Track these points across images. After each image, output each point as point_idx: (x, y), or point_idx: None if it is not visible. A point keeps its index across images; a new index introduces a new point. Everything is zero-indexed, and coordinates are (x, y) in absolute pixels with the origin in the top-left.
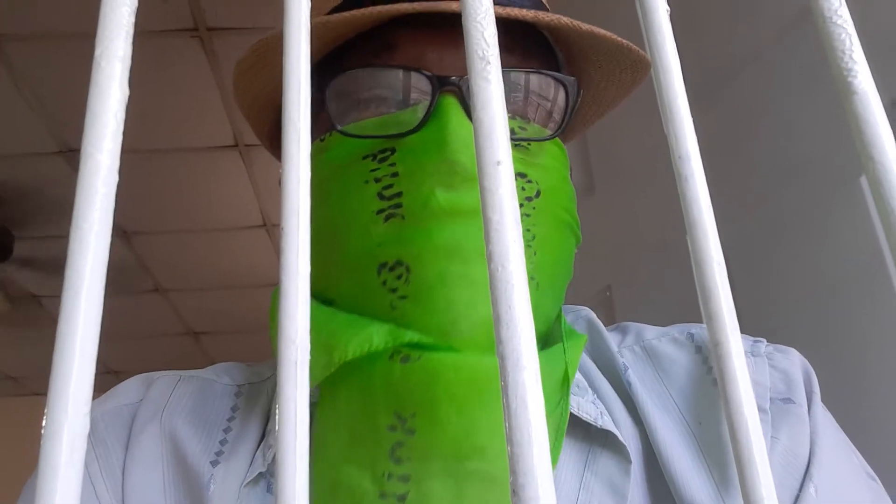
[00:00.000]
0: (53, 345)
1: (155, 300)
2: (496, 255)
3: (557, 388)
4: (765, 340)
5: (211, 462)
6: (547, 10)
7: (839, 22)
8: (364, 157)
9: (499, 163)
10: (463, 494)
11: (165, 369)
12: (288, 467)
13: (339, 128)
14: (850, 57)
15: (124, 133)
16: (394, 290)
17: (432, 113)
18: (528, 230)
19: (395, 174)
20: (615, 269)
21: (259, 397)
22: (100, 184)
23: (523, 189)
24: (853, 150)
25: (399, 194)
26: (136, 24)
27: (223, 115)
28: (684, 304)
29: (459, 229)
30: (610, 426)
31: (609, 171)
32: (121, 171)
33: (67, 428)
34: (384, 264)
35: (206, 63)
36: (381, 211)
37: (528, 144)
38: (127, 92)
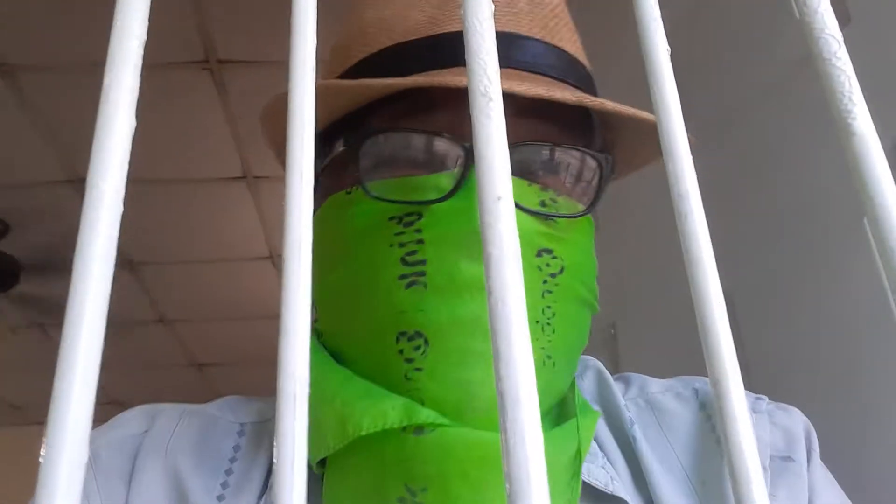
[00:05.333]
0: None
1: (159, 331)
2: (496, 290)
3: (569, 466)
4: (766, 398)
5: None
6: (590, 75)
7: (838, 64)
8: (390, 219)
9: (499, 198)
10: None
11: (169, 400)
12: (284, 500)
13: (368, 190)
14: (850, 99)
15: (132, 162)
16: (410, 361)
17: (463, 182)
18: (549, 307)
19: (420, 241)
20: (620, 307)
21: (262, 441)
22: (104, 213)
23: (548, 265)
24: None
25: (423, 262)
26: (148, 56)
27: (232, 147)
28: (689, 342)
29: (482, 305)
30: (621, 492)
31: (614, 209)
32: (128, 201)
33: (66, 456)
34: (403, 333)
35: (215, 95)
36: (403, 276)
37: (556, 220)
38: (134, 123)
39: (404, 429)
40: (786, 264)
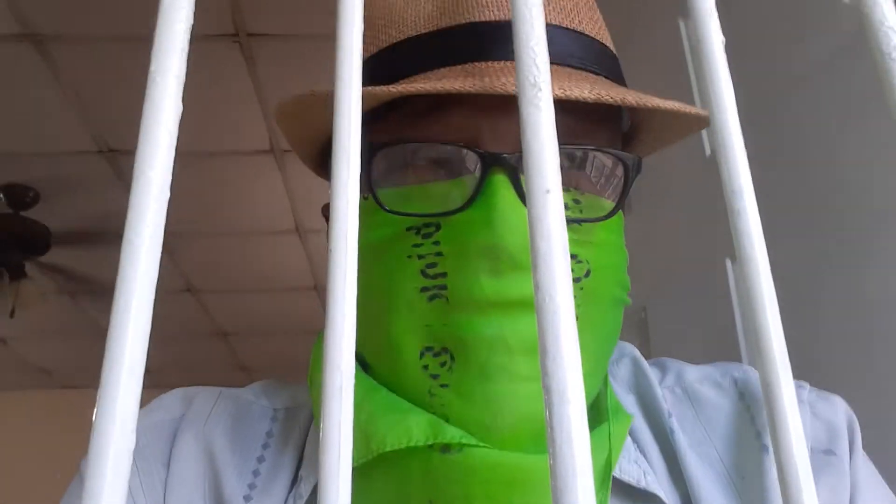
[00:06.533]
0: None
1: (186, 300)
2: (543, 285)
3: (598, 477)
4: (807, 385)
5: (244, 497)
6: (613, 56)
7: None
8: (408, 230)
9: (548, 191)
10: None
11: (194, 368)
12: (331, 495)
13: (382, 203)
14: None
15: None
16: (435, 377)
17: (481, 191)
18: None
19: (439, 253)
20: (651, 289)
21: (294, 427)
22: (152, 201)
23: (572, 270)
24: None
25: (444, 275)
26: None
27: (260, 120)
28: (719, 325)
29: (504, 321)
30: (654, 487)
31: (647, 193)
32: None
33: (113, 445)
34: (429, 348)
35: (244, 68)
36: (425, 289)
37: (581, 224)
38: (180, 108)
39: (430, 446)
40: (822, 252)
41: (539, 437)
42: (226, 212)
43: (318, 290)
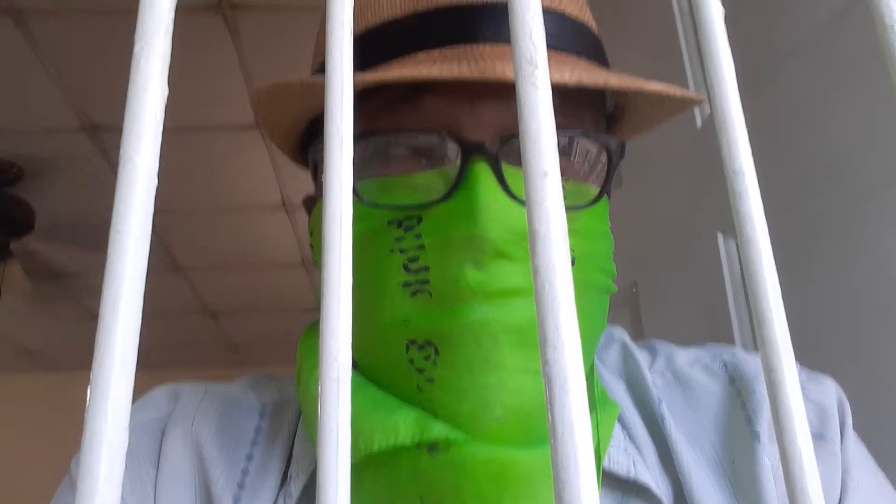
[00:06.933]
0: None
1: (173, 279)
2: (542, 270)
3: None
4: (798, 364)
5: (233, 497)
6: (596, 36)
7: None
8: (389, 223)
9: (546, 173)
10: None
11: (182, 347)
12: (329, 488)
13: (361, 196)
14: None
15: None
16: (421, 371)
17: (461, 181)
18: None
19: (421, 246)
20: (641, 265)
21: (282, 422)
22: (139, 188)
23: None
24: (891, 152)
25: (426, 269)
26: None
27: (244, 94)
28: (711, 299)
29: (489, 311)
30: (644, 476)
31: (636, 166)
32: None
33: (106, 442)
34: (413, 341)
35: (229, 41)
36: (407, 284)
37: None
38: (167, 91)
39: (417, 445)
40: (814, 225)
41: (529, 431)
42: (212, 188)
43: (306, 266)
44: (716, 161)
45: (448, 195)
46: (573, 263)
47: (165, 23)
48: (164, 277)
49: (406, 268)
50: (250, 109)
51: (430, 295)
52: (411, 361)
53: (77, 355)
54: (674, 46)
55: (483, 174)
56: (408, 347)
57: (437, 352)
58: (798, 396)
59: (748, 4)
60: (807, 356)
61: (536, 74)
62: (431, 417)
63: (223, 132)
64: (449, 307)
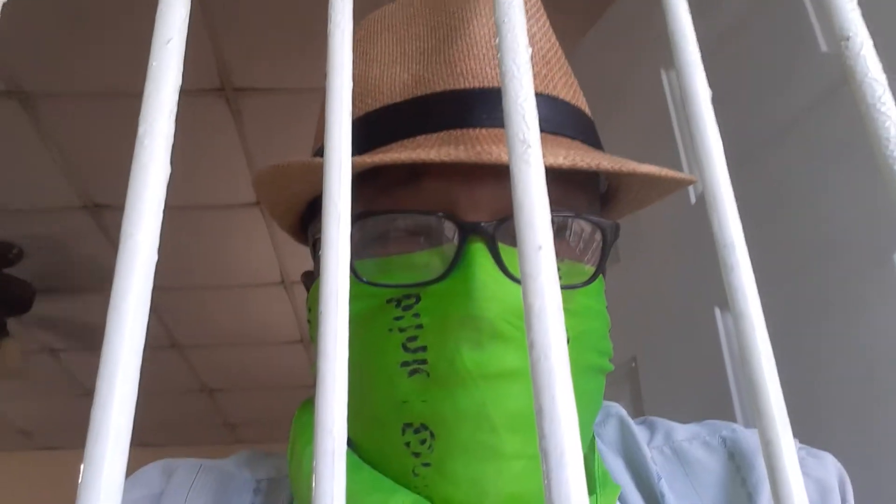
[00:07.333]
0: (68, 400)
1: (171, 356)
2: (538, 344)
3: None
4: (796, 441)
5: None
6: (589, 119)
7: (883, 110)
8: (388, 302)
9: (540, 248)
10: None
11: (178, 425)
12: None
13: (360, 275)
14: None
15: None
16: (417, 455)
17: (459, 261)
18: None
19: (419, 325)
20: (641, 339)
21: (277, 499)
22: (138, 265)
23: None
24: (886, 226)
25: (424, 348)
26: None
27: (246, 173)
28: (710, 373)
29: (487, 395)
30: None
31: (634, 242)
32: None
33: None
34: (409, 425)
35: (231, 121)
36: (405, 364)
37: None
38: (168, 170)
39: None
40: (812, 300)
41: None
42: (211, 265)
43: (305, 343)
44: (710, 237)
45: (446, 274)
46: (567, 342)
47: (169, 105)
48: (162, 354)
49: (405, 347)
50: (251, 188)
51: (428, 375)
52: (407, 445)
53: (73, 434)
54: (667, 130)
55: (480, 254)
56: (404, 430)
57: (433, 436)
58: (796, 465)
59: (740, 86)
60: (805, 434)
61: (529, 153)
62: (428, 503)
63: (224, 210)
64: (446, 389)
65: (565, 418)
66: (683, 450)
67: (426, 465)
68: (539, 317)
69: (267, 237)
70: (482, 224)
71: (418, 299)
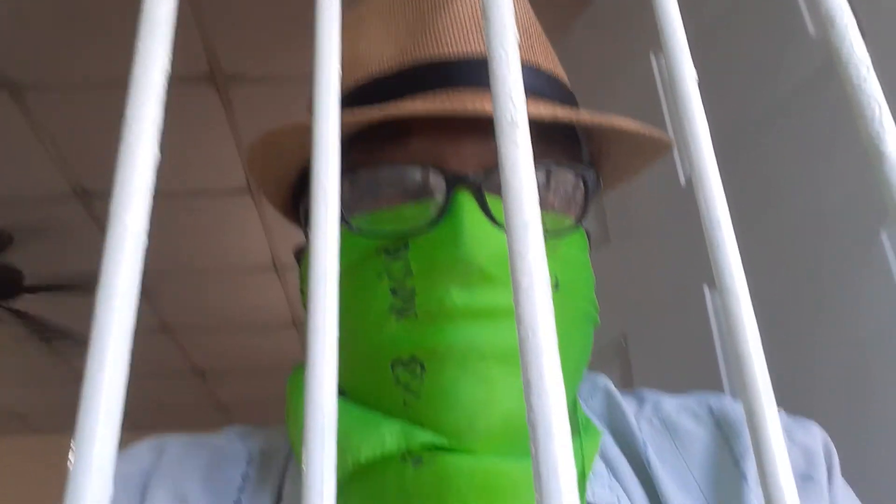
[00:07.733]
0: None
1: (162, 339)
2: (526, 320)
3: None
4: (782, 410)
5: None
6: (568, 89)
7: (867, 89)
8: (377, 251)
9: (527, 225)
10: None
11: (171, 408)
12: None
13: (352, 226)
14: (880, 124)
15: None
16: (407, 387)
17: (447, 210)
18: None
19: (408, 271)
20: (630, 317)
21: (270, 469)
22: (127, 247)
23: None
24: (872, 204)
25: (413, 292)
26: None
27: (236, 159)
28: (699, 350)
29: (475, 329)
30: None
31: (624, 221)
32: None
33: (90, 495)
34: (398, 360)
35: (220, 108)
36: (394, 308)
37: (546, 240)
38: (157, 155)
39: (403, 458)
40: (800, 279)
41: (514, 443)
42: (202, 250)
43: (297, 326)
44: (699, 218)
45: (434, 223)
46: (557, 288)
47: (157, 89)
48: (154, 338)
49: (394, 292)
50: (241, 173)
51: (417, 315)
52: (397, 379)
53: (66, 417)
54: (657, 113)
55: (467, 203)
56: (393, 366)
57: (422, 368)
58: (780, 436)
59: (729, 69)
60: (793, 409)
61: (517, 133)
62: (417, 427)
63: (215, 195)
64: (435, 326)
65: (552, 392)
66: (672, 420)
67: (415, 394)
68: (527, 294)
69: (258, 222)
70: (469, 175)
71: (407, 247)
